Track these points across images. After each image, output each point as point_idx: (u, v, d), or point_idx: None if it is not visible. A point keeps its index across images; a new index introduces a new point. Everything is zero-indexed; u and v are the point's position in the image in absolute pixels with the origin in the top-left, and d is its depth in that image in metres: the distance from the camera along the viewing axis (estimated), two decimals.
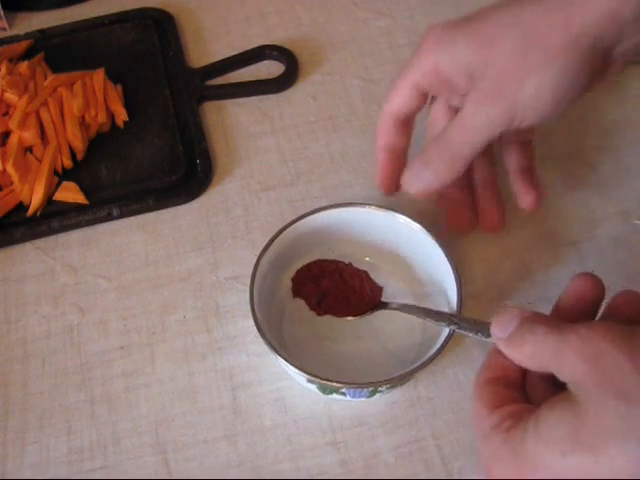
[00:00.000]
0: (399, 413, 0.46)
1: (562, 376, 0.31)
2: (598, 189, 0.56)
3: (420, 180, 0.44)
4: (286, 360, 0.42)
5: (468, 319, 0.41)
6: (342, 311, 0.47)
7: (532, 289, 0.51)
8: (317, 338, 0.48)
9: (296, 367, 0.41)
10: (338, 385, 0.41)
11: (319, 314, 0.47)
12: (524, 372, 0.36)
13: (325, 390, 0.43)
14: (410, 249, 0.49)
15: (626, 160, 0.57)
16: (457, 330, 0.41)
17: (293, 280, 0.48)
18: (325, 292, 0.47)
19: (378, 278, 0.49)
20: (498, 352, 0.36)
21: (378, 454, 0.44)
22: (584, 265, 0.51)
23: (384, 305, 0.47)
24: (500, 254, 0.52)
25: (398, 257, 0.50)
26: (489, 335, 0.36)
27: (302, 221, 0.48)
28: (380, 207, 0.48)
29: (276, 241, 0.46)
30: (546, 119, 0.42)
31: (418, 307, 0.45)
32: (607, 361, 0.29)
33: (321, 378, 0.41)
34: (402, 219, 0.48)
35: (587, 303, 0.36)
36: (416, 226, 0.47)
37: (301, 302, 0.48)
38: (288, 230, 0.47)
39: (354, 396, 0.44)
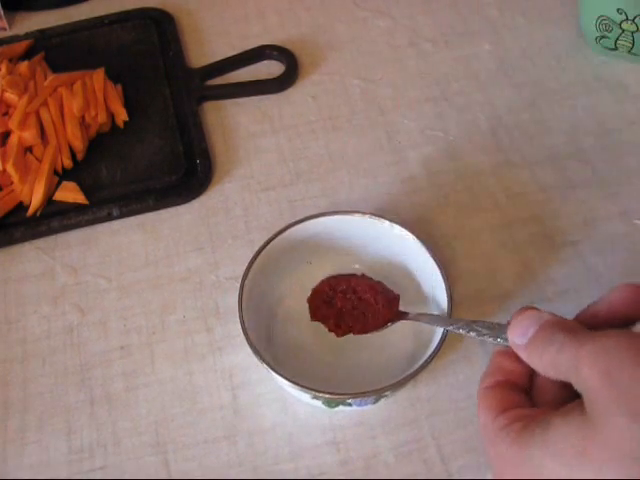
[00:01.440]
0: (399, 413, 0.46)
1: (578, 387, 0.30)
2: (598, 189, 0.56)
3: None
4: (291, 381, 0.41)
5: (488, 324, 0.39)
6: (361, 328, 0.45)
7: (532, 289, 0.51)
8: (305, 349, 0.47)
9: (301, 386, 0.41)
10: (345, 397, 0.41)
11: (338, 335, 0.45)
12: (530, 375, 0.35)
13: (331, 404, 0.43)
14: (401, 256, 0.48)
15: (626, 160, 0.57)
16: (478, 337, 0.39)
17: (309, 302, 0.47)
18: (340, 312, 0.46)
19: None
20: (501, 355, 0.35)
21: (378, 454, 0.44)
22: (584, 264, 0.51)
23: (403, 315, 0.45)
24: (500, 253, 0.52)
25: (388, 264, 0.49)
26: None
27: (291, 229, 0.47)
28: (372, 215, 0.48)
29: (264, 251, 0.46)
30: None
31: (437, 315, 0.44)
32: (623, 376, 0.28)
33: (328, 393, 0.41)
34: (389, 225, 0.47)
35: (620, 312, 0.34)
36: (406, 233, 0.47)
37: (290, 312, 0.48)
38: (276, 240, 0.47)
39: (360, 405, 0.44)
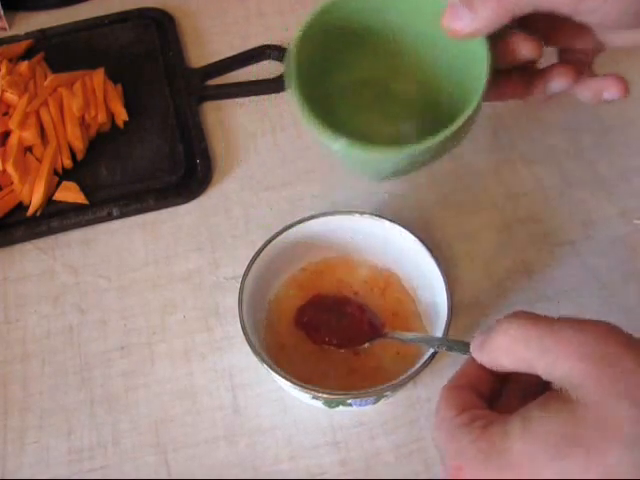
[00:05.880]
0: (399, 413, 0.46)
1: (551, 374, 0.30)
2: (598, 189, 0.56)
3: (461, 21, 0.39)
4: (291, 381, 0.41)
5: (459, 341, 0.40)
6: (339, 343, 0.46)
7: (532, 289, 0.51)
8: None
9: (301, 386, 0.41)
10: (345, 397, 0.41)
11: (315, 343, 0.46)
12: (496, 385, 0.35)
13: (331, 404, 0.43)
14: (400, 256, 0.48)
15: (626, 160, 0.57)
16: (449, 351, 0.40)
17: (295, 315, 0.47)
18: (326, 322, 0.46)
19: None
20: (471, 362, 0.35)
21: (378, 454, 0.44)
22: (584, 265, 0.51)
23: (382, 335, 0.46)
24: (500, 254, 0.52)
25: (388, 264, 0.49)
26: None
27: (291, 229, 0.47)
28: (372, 215, 0.47)
29: (264, 251, 0.46)
30: (607, 26, 0.39)
31: (414, 335, 0.45)
32: (619, 365, 0.28)
33: (328, 393, 0.41)
34: (389, 225, 0.47)
35: None
36: (406, 233, 0.47)
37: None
38: (276, 240, 0.47)
39: (360, 405, 0.43)
